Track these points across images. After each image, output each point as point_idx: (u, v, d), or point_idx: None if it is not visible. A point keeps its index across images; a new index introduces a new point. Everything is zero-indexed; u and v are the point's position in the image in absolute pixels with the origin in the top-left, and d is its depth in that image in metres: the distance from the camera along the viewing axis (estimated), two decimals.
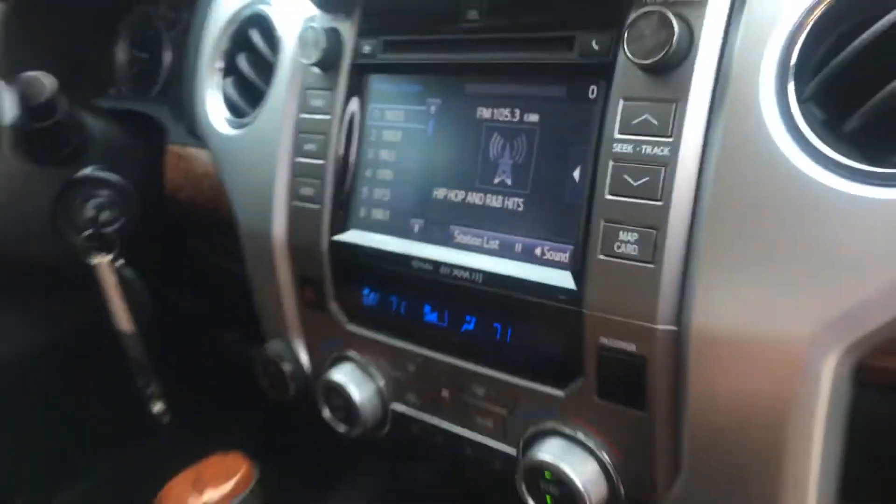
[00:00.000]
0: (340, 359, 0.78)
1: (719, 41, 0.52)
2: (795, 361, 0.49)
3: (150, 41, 1.30)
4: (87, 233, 0.98)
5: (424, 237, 0.69)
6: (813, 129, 0.49)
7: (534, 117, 0.62)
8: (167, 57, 1.26)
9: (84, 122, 1.00)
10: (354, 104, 0.74)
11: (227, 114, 0.88)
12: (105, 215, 0.99)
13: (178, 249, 1.13)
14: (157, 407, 1.10)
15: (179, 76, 1.18)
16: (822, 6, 0.49)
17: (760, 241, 0.50)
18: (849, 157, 0.48)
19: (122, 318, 1.02)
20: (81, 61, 1.33)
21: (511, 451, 0.67)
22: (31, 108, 0.86)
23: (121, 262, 1.00)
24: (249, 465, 0.68)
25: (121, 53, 1.36)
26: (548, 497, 0.62)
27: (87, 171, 0.99)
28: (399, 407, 0.75)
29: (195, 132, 0.94)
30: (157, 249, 1.11)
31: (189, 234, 1.10)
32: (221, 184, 0.90)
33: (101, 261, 0.99)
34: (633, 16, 0.54)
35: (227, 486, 0.66)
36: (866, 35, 0.48)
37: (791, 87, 0.50)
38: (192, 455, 0.83)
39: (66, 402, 1.20)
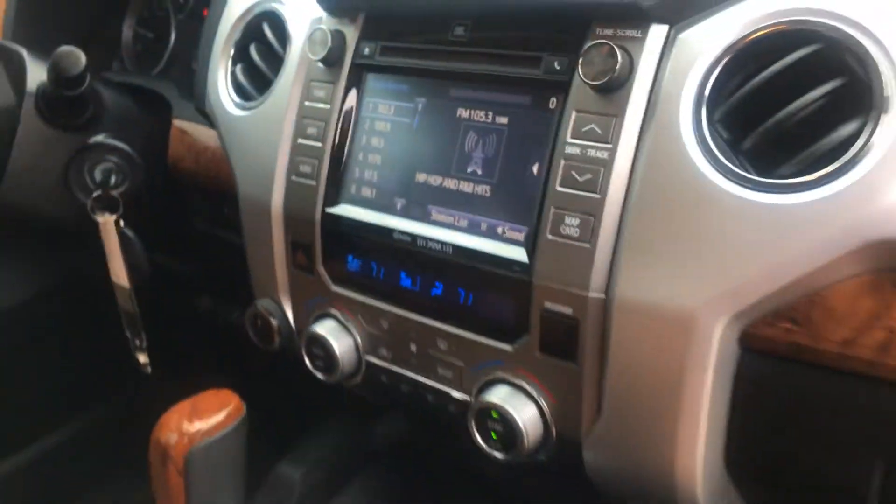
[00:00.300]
0: (323, 315, 0.89)
1: (653, 71, 0.65)
2: (692, 327, 0.63)
3: (156, 21, 1.40)
4: (95, 194, 1.08)
5: (405, 214, 0.81)
6: (718, 146, 0.62)
7: (504, 120, 0.75)
8: (172, 38, 1.36)
9: (100, 93, 1.10)
10: (352, 97, 0.85)
11: (235, 96, 0.99)
12: (112, 179, 1.10)
13: (175, 216, 1.23)
14: (142, 359, 1.20)
15: (183, 57, 1.29)
16: (730, 53, 0.63)
17: (671, 232, 0.63)
18: (744, 168, 0.61)
19: (120, 273, 1.12)
20: (90, 35, 1.43)
21: (465, 397, 0.80)
22: (64, 79, 0.97)
23: (123, 222, 1.11)
24: (240, 400, 0.78)
25: (127, 31, 1.45)
26: (493, 433, 0.75)
27: (99, 137, 1.10)
28: (372, 358, 0.88)
29: (202, 111, 1.05)
30: (157, 214, 1.21)
31: (188, 202, 1.21)
32: (222, 157, 1.02)
33: (106, 220, 1.09)
34: (587, 45, 0.67)
35: (220, 416, 0.75)
36: (760, 77, 0.62)
37: (704, 111, 0.63)
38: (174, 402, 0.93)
39: (56, 351, 1.30)
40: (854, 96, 0.59)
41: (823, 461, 0.66)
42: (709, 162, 0.62)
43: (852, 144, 0.58)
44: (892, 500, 0.63)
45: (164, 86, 1.24)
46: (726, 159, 0.62)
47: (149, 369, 1.20)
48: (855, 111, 0.59)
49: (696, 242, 0.62)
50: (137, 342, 1.18)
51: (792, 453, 0.68)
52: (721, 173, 0.61)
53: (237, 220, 0.99)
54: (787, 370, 0.64)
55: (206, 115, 1.05)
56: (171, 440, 0.73)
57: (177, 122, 1.17)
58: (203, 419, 0.75)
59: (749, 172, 0.61)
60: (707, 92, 0.63)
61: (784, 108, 0.61)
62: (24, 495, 1.26)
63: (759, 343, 0.64)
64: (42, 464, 1.28)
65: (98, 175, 1.10)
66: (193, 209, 1.22)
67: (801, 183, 0.59)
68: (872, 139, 0.57)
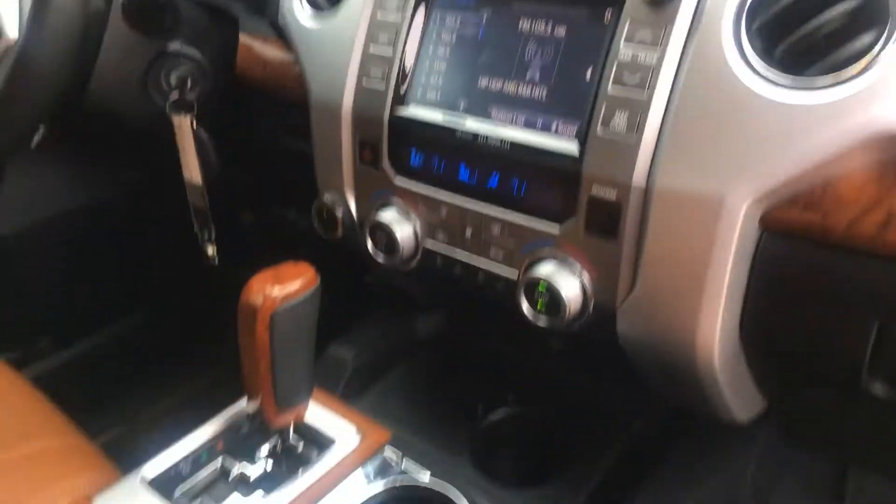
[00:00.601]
0: (386, 205, 1.00)
1: None
2: (720, 209, 0.73)
3: None
4: (172, 97, 1.19)
5: (468, 113, 0.91)
6: (755, 52, 0.72)
7: (562, 30, 0.84)
8: None
9: (177, 3, 1.20)
10: (421, 10, 0.95)
11: (308, 9, 1.09)
12: (187, 84, 1.20)
13: (241, 126, 1.33)
14: (210, 251, 1.32)
15: None
16: None
17: (707, 127, 0.73)
18: (776, 71, 0.71)
19: (194, 170, 1.23)
20: None
21: (514, 274, 0.90)
22: None
23: (197, 123, 1.21)
24: (315, 271, 0.86)
25: None
26: (539, 303, 0.86)
27: (176, 45, 1.20)
28: (429, 243, 0.98)
29: (276, 25, 1.15)
30: (225, 122, 1.31)
31: (253, 114, 1.31)
32: (288, 68, 1.12)
33: (182, 120, 1.20)
34: None
35: (301, 282, 0.84)
36: None
37: (743, 21, 0.73)
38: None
39: (131, 244, 1.42)
40: (872, 12, 0.68)
41: (826, 327, 0.78)
42: (745, 66, 0.72)
43: (867, 53, 0.68)
44: (884, 355, 0.74)
45: (230, 3, 1.33)
46: (760, 64, 0.72)
47: (215, 261, 1.32)
48: (872, 25, 0.69)
49: (728, 136, 0.72)
50: (206, 236, 1.30)
51: (798, 322, 0.80)
52: (755, 75, 0.71)
53: (305, 124, 1.09)
54: (800, 248, 0.75)
55: (279, 29, 1.15)
56: (259, 301, 0.80)
57: (245, 35, 1.27)
58: (285, 284, 0.82)
59: (779, 75, 0.71)
60: (747, 5, 0.73)
61: (806, 21, 0.71)
62: (101, 370, 1.40)
63: (777, 224, 0.75)
64: (115, 344, 1.41)
65: (174, 79, 1.20)
66: (258, 120, 1.32)
67: (822, 85, 0.69)
68: (885, 49, 0.67)
